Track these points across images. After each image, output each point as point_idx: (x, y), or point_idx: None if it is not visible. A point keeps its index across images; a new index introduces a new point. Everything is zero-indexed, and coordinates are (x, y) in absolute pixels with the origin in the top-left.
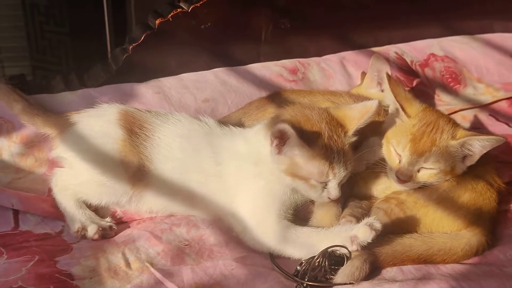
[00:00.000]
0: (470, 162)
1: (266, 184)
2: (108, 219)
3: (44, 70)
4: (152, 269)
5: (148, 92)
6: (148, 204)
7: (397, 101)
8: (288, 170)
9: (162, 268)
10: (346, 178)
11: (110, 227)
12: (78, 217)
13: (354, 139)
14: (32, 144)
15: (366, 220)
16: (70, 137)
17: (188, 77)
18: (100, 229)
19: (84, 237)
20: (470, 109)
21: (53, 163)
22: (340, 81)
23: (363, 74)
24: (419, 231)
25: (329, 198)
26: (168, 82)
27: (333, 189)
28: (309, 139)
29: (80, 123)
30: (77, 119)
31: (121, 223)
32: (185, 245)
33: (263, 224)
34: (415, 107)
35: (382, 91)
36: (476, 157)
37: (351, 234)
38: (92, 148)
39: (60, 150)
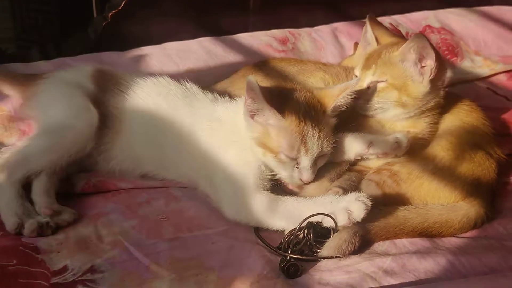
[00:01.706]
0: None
1: (240, 152)
2: (43, 215)
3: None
4: (126, 243)
5: (128, 60)
6: (117, 163)
7: (374, 35)
8: (260, 139)
9: (136, 242)
10: (323, 161)
11: (47, 223)
12: (15, 210)
13: (334, 119)
14: (2, 114)
15: (355, 194)
16: (38, 90)
17: (171, 46)
18: (39, 225)
19: (19, 233)
20: (468, 83)
21: (24, 134)
22: (332, 53)
23: (356, 45)
24: (413, 203)
25: (301, 180)
26: (150, 51)
27: (305, 170)
28: (282, 107)
29: (52, 77)
30: (49, 75)
31: (95, 194)
32: (163, 218)
33: (241, 194)
34: (384, 39)
35: None
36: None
37: (340, 206)
38: (59, 98)
39: (27, 106)
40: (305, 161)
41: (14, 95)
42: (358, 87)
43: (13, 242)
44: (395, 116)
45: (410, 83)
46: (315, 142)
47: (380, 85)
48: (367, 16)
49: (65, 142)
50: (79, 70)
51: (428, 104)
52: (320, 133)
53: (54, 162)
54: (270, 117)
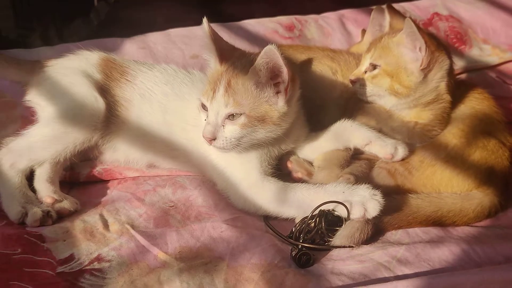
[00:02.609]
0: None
1: None
2: (45, 204)
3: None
4: (133, 231)
5: (132, 47)
6: (123, 153)
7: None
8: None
9: (143, 230)
10: (239, 122)
11: (48, 212)
12: (18, 199)
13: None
14: (4, 100)
15: (370, 190)
16: (43, 78)
17: (176, 32)
18: (43, 214)
19: (22, 223)
20: (477, 71)
21: (27, 120)
22: (339, 40)
23: (364, 31)
24: (425, 191)
25: (204, 137)
26: (154, 37)
27: (207, 123)
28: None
29: (57, 65)
30: (54, 62)
31: (100, 182)
32: (170, 207)
33: (247, 182)
34: (397, 23)
35: None
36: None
37: (356, 199)
38: (65, 86)
39: (32, 94)
40: (209, 113)
41: (18, 82)
42: (356, 71)
43: (17, 231)
44: (393, 105)
45: (403, 71)
46: (224, 94)
47: (374, 72)
48: (386, 5)
49: (70, 132)
50: (86, 58)
51: (426, 97)
52: (234, 86)
53: (59, 153)
54: (212, 62)
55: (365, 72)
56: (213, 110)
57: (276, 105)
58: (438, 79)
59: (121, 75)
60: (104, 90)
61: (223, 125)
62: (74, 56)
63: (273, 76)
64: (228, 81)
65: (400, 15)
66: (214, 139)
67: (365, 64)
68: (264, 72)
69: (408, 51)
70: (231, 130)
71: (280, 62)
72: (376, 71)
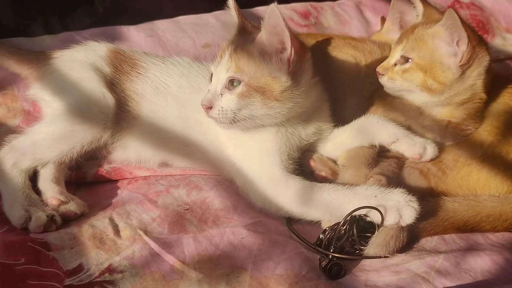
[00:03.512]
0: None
1: (264, 132)
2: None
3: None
4: (146, 238)
5: (139, 35)
6: (135, 150)
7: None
8: None
9: (158, 236)
10: (237, 91)
11: (53, 217)
12: (21, 202)
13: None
14: (5, 93)
15: (405, 196)
16: (48, 71)
17: (185, 20)
18: (48, 219)
19: (25, 228)
20: (499, 62)
21: (29, 115)
22: (357, 28)
23: (383, 19)
24: (460, 193)
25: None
26: (163, 25)
27: (208, 91)
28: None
29: (63, 57)
30: (59, 54)
31: (109, 182)
32: (185, 210)
33: (269, 179)
34: (431, 14)
35: None
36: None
37: (391, 204)
38: (71, 81)
39: (36, 88)
40: (213, 79)
41: (20, 74)
42: (385, 63)
43: (20, 237)
44: (423, 102)
45: (438, 66)
46: (230, 58)
47: (405, 65)
48: None
49: (78, 131)
50: (93, 49)
51: (461, 95)
52: (240, 52)
53: (65, 153)
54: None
55: (395, 64)
56: (216, 76)
57: (279, 78)
58: (475, 77)
59: (132, 67)
60: (113, 84)
61: (222, 94)
62: (80, 48)
63: (282, 49)
64: (235, 47)
65: (431, 5)
66: (211, 108)
67: (395, 56)
68: (268, 38)
69: (445, 45)
70: (228, 99)
71: (281, 23)
72: (407, 65)
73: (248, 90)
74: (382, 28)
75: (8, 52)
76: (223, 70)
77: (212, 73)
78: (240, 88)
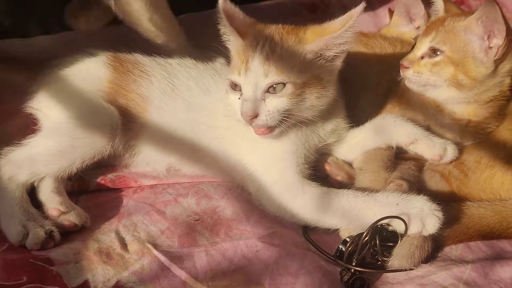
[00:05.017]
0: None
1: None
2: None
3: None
4: (156, 252)
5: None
6: (143, 159)
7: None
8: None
9: (167, 250)
10: (286, 93)
11: (51, 233)
12: (18, 217)
13: (311, 53)
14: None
15: (429, 204)
16: (48, 81)
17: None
18: (46, 235)
19: (22, 246)
20: None
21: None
22: (365, 21)
23: (390, 11)
24: (484, 197)
25: (243, 116)
26: None
27: (242, 100)
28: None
29: (63, 67)
30: (60, 63)
31: (113, 191)
32: (195, 220)
33: (283, 185)
34: (451, 8)
35: (418, 28)
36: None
37: (414, 212)
38: (71, 93)
39: (34, 100)
40: (244, 87)
41: (18, 83)
42: (411, 55)
43: (21, 255)
44: (448, 98)
45: (470, 60)
46: (262, 64)
47: (435, 59)
48: None
49: (77, 146)
50: (95, 59)
51: (489, 92)
52: (274, 57)
53: (64, 168)
54: (233, 38)
55: (422, 57)
56: (249, 83)
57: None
58: (505, 73)
59: (134, 67)
60: (118, 93)
61: (263, 99)
62: (82, 58)
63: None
64: (266, 54)
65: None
66: (256, 116)
67: (422, 48)
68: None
69: (476, 38)
70: (275, 103)
71: None
72: (438, 58)
73: (297, 88)
74: (390, 22)
75: (7, 64)
76: (259, 76)
77: (232, 82)
78: (288, 90)
